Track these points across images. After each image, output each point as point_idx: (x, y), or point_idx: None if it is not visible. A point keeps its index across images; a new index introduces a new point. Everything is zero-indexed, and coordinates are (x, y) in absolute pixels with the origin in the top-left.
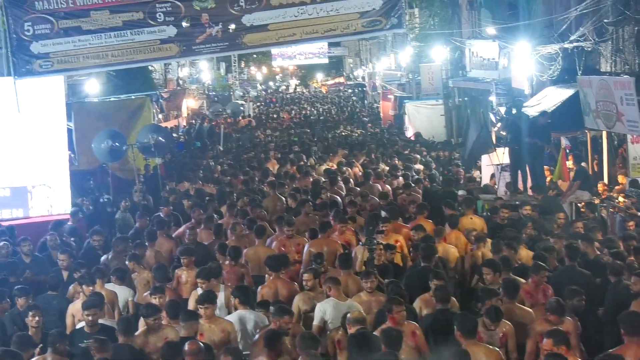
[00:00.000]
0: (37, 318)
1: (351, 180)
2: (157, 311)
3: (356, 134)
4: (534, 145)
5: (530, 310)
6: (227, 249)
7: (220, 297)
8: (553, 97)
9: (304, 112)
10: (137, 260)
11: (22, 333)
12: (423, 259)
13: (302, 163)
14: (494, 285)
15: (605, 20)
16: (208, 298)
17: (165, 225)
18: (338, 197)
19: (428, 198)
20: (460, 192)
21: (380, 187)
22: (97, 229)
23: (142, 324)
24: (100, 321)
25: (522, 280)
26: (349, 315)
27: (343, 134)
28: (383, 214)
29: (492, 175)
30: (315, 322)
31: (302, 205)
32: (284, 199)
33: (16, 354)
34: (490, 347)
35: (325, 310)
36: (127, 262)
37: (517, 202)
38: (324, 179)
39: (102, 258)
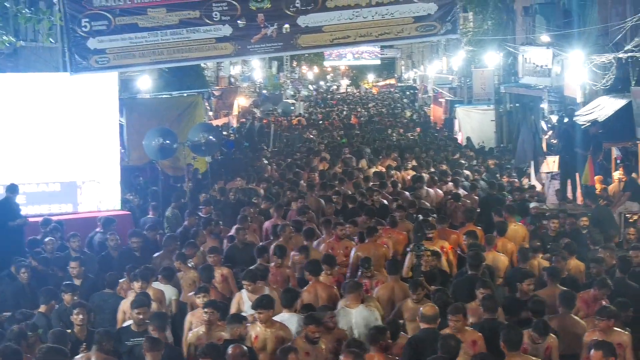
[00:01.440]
0: (81, 316)
1: (399, 184)
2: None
3: (409, 137)
4: (584, 155)
5: (583, 322)
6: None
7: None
8: (605, 107)
9: (356, 113)
10: (184, 260)
11: (58, 329)
12: (470, 267)
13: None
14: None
15: None
16: (262, 303)
17: (211, 224)
18: (385, 201)
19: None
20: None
21: (432, 192)
22: (136, 231)
23: (187, 323)
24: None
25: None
26: (421, 309)
27: (393, 136)
28: (421, 217)
29: (542, 183)
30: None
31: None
32: (325, 201)
33: (60, 350)
34: (532, 357)
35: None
36: (174, 261)
37: (566, 211)
38: (372, 183)
39: (154, 256)
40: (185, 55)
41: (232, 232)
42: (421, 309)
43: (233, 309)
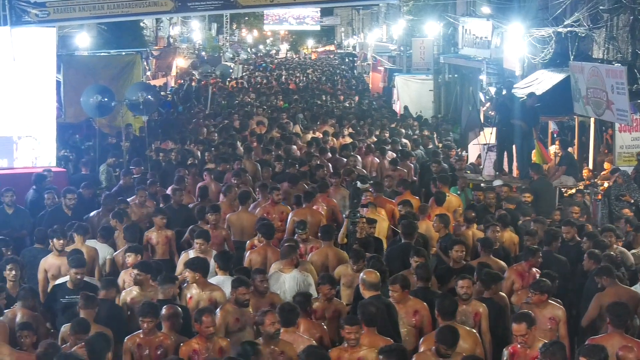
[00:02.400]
0: (14, 272)
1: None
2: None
3: (346, 105)
4: (520, 127)
5: (504, 295)
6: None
7: (212, 262)
8: (544, 81)
9: (294, 78)
10: (120, 219)
11: None
12: (404, 235)
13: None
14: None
15: (600, 7)
16: (195, 264)
17: (146, 184)
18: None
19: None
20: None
21: (368, 160)
22: (70, 188)
23: (120, 281)
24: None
25: (503, 263)
26: (363, 276)
27: (333, 102)
28: (359, 184)
29: (479, 155)
30: None
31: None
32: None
33: None
34: (468, 328)
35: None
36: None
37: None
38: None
39: (92, 214)
40: (125, 11)
41: (168, 191)
42: (363, 275)
43: (179, 269)
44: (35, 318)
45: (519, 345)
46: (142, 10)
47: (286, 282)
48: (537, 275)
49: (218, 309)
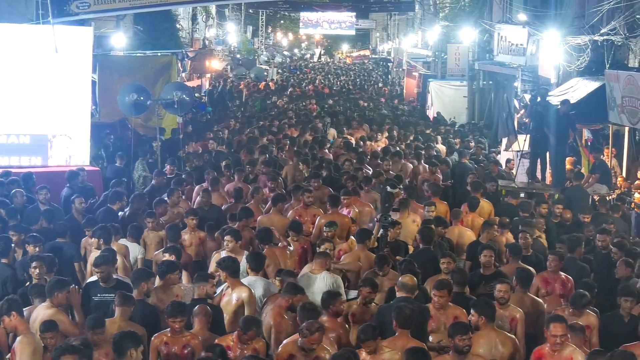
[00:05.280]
0: (37, 270)
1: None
2: (175, 268)
3: (381, 110)
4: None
5: (541, 300)
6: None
7: (243, 262)
8: (579, 89)
9: (328, 83)
10: (154, 217)
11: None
12: (422, 241)
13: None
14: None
15: (637, 16)
16: (228, 264)
17: (182, 184)
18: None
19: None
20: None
21: (401, 165)
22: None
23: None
24: (114, 276)
25: (532, 270)
26: (400, 279)
27: (365, 107)
28: (389, 189)
29: (508, 161)
30: None
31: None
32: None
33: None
34: (507, 333)
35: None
36: (145, 219)
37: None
38: (343, 152)
39: (120, 214)
40: (164, 0)
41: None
42: (401, 279)
43: (212, 269)
44: (61, 315)
45: (547, 348)
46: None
47: (316, 283)
48: (567, 281)
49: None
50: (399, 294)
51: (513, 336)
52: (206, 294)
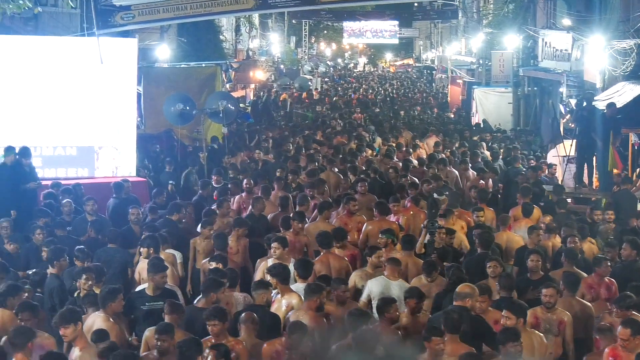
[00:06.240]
0: (89, 282)
1: (414, 162)
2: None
3: (425, 117)
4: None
5: (590, 304)
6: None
7: (291, 268)
8: (625, 93)
9: (372, 91)
10: (208, 227)
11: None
12: (481, 245)
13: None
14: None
15: None
16: (278, 271)
17: (228, 193)
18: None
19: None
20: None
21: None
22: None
23: None
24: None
25: (584, 274)
26: (457, 289)
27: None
28: (436, 195)
29: (550, 166)
30: (362, 298)
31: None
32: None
33: (73, 311)
34: (540, 334)
35: (372, 287)
36: (199, 229)
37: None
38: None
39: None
40: (208, 10)
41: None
42: (457, 289)
43: (258, 277)
44: (112, 324)
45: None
46: (224, 9)
47: (392, 289)
48: (611, 284)
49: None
50: (455, 303)
51: (545, 341)
52: (266, 301)
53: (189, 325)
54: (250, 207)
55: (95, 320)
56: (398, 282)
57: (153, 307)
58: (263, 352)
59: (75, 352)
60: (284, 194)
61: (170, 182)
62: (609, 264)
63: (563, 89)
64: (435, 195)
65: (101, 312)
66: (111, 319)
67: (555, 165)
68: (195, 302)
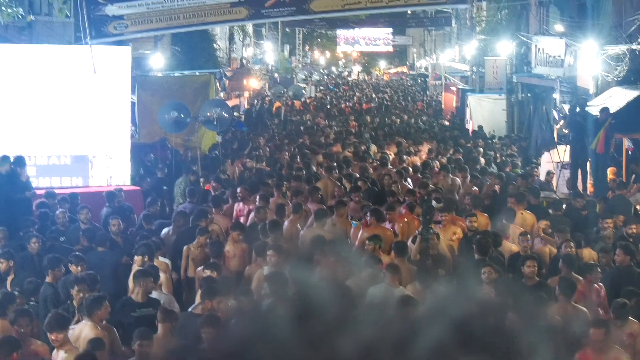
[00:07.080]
0: (81, 294)
1: (410, 169)
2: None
3: (420, 124)
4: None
5: (585, 309)
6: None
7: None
8: (618, 98)
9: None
10: (205, 234)
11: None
12: (478, 252)
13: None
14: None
15: None
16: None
17: (221, 202)
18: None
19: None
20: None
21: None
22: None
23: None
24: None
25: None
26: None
27: (404, 122)
28: (434, 203)
29: (548, 173)
30: None
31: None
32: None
33: (64, 317)
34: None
35: (374, 294)
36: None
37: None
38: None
39: (163, 232)
40: (201, 20)
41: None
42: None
43: (254, 285)
44: (100, 332)
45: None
46: (217, 18)
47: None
48: (600, 289)
49: None
50: None
51: None
52: None
53: (183, 332)
54: (251, 215)
55: (83, 328)
56: (399, 289)
57: (143, 313)
58: None
59: (61, 354)
60: (283, 201)
61: (164, 187)
62: (599, 270)
63: (556, 95)
64: (433, 202)
65: (88, 320)
66: (98, 327)
67: (553, 172)
68: (190, 309)
